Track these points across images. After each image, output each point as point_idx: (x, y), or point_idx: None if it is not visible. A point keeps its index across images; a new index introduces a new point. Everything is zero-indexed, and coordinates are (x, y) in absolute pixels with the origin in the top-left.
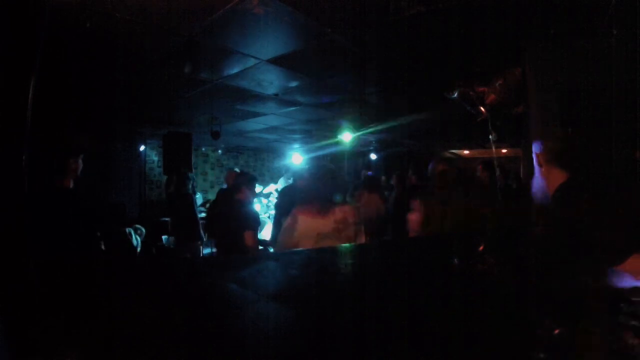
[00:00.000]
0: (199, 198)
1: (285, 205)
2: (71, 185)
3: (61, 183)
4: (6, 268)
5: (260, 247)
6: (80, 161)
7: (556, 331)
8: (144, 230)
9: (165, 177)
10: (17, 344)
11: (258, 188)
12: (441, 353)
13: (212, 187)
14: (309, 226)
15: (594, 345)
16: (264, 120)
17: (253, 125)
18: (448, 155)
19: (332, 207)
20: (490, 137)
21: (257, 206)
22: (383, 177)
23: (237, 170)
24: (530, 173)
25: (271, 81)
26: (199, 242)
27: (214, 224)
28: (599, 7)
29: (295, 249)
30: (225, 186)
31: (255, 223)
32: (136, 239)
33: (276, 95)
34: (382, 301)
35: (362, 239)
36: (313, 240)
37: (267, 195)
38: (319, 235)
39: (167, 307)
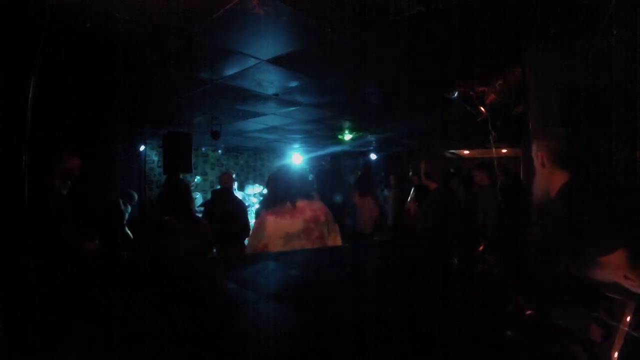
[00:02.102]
0: (198, 198)
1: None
2: (67, 185)
3: (53, 184)
4: (6, 268)
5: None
6: (75, 160)
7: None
8: (135, 195)
9: (165, 177)
10: (17, 344)
11: (257, 188)
12: (440, 352)
13: (211, 187)
14: (276, 227)
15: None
16: (264, 120)
17: (253, 125)
18: (448, 154)
19: (301, 206)
20: (490, 137)
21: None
22: (384, 177)
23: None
24: (530, 173)
25: (271, 81)
26: None
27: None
28: (599, 7)
29: (267, 252)
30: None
31: None
32: (124, 205)
33: (276, 95)
34: (378, 300)
35: (337, 238)
36: (281, 241)
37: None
38: (287, 235)
39: (167, 307)
